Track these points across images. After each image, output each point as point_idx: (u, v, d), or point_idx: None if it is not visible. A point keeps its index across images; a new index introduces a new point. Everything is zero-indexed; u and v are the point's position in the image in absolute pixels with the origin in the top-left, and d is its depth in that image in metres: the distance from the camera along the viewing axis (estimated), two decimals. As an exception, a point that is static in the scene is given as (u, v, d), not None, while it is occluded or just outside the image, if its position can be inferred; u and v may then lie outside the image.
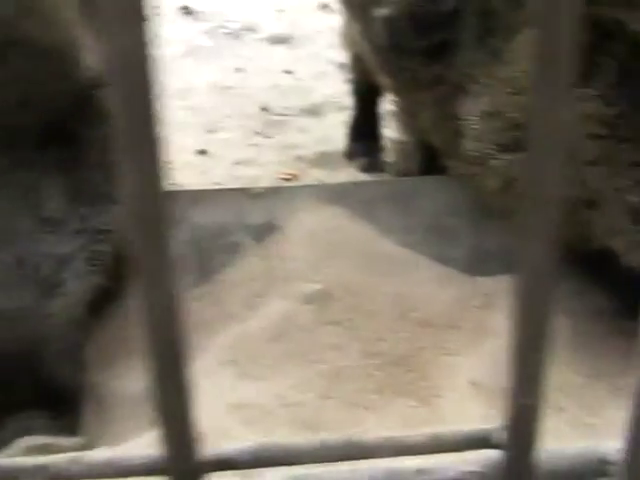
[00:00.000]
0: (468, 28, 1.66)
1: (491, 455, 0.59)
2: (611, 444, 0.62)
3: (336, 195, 1.85)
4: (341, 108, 3.06)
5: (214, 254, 1.81)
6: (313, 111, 3.21)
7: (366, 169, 2.73)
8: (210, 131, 2.95)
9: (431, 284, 1.73)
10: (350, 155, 2.83)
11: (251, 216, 1.84)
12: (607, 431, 1.42)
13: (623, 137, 1.53)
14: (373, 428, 1.43)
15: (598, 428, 1.44)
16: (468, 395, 1.49)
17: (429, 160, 2.13)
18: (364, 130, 2.81)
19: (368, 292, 1.70)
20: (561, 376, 1.57)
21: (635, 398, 0.56)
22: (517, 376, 0.53)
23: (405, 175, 2.43)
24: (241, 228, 1.83)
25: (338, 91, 3.12)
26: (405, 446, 0.58)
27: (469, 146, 1.68)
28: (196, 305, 1.71)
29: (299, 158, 2.78)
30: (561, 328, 1.67)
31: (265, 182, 2.46)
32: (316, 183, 1.97)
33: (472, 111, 1.67)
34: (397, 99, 2.24)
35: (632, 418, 0.58)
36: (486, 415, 1.45)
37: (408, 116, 2.17)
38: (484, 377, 1.52)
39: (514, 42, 1.58)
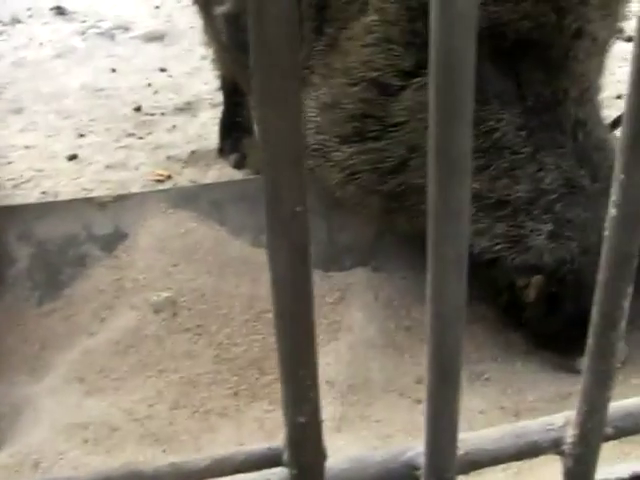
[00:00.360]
0: (306, 19, 1.64)
1: (280, 474, 0.58)
2: (420, 447, 0.61)
3: (185, 199, 1.81)
4: (215, 105, 3.02)
5: (62, 268, 1.75)
6: (187, 109, 3.16)
7: (238, 165, 2.70)
8: (81, 135, 2.86)
9: (284, 283, 1.71)
10: (222, 152, 2.80)
11: (98, 226, 1.79)
12: (461, 421, 1.43)
13: None
14: (228, 434, 1.41)
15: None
16: (324, 394, 1.47)
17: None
18: (234, 126, 2.78)
19: (221, 296, 1.67)
20: (420, 367, 1.58)
21: (430, 399, 0.55)
22: (290, 395, 0.51)
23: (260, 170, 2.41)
24: (89, 239, 1.78)
25: (212, 87, 3.07)
26: (187, 472, 0.56)
27: (311, 139, 1.67)
28: (45, 322, 1.66)
29: (172, 158, 2.71)
30: (421, 318, 1.69)
31: (137, 185, 2.40)
32: (166, 188, 1.92)
33: (312, 103, 1.65)
34: (251, 94, 2.22)
35: (429, 419, 0.58)
36: (342, 412, 1.45)
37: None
38: (339, 375, 1.51)
39: (349, 31, 1.57)
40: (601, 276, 0.55)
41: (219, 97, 2.91)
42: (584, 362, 1.65)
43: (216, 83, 2.91)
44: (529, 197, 1.55)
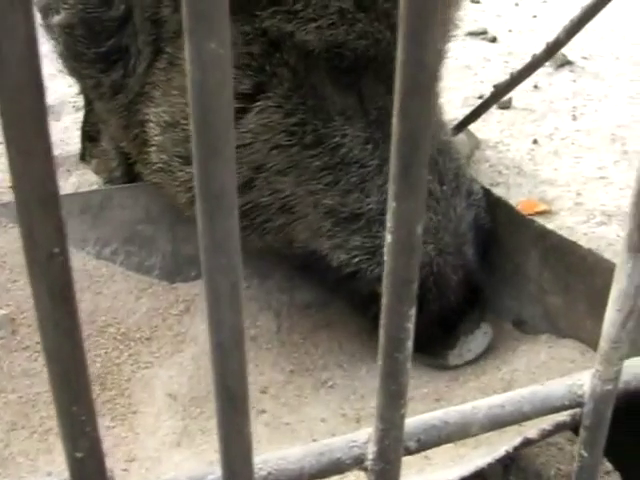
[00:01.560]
0: (141, 34, 1.62)
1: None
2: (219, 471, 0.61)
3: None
4: (79, 108, 2.96)
5: None
6: (49, 112, 3.07)
7: (98, 172, 2.64)
8: None
9: (129, 296, 1.69)
10: (83, 157, 2.75)
11: None
12: (302, 429, 1.45)
13: (306, 144, 1.57)
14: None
15: (295, 427, 1.46)
16: (165, 407, 1.47)
17: (130, 167, 2.09)
18: (95, 130, 2.72)
19: (63, 311, 1.64)
20: (265, 377, 1.59)
21: (220, 425, 0.56)
22: (66, 430, 0.51)
23: (109, 182, 2.38)
24: None
25: (76, 90, 2.98)
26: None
27: (154, 157, 1.65)
28: None
29: None
30: (267, 326, 1.70)
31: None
32: (5, 202, 1.86)
33: (154, 119, 1.64)
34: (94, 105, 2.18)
35: (221, 444, 0.58)
36: (183, 426, 1.44)
37: (102, 123, 2.12)
38: (181, 387, 1.51)
39: (182, 49, 1.56)
40: (384, 300, 0.56)
41: (82, 100, 2.84)
42: (454, 357, 1.75)
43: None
44: (380, 208, 1.58)
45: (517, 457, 1.65)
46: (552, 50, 2.03)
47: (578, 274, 1.54)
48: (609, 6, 1.84)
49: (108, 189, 1.94)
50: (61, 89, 3.24)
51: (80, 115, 2.87)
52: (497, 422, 0.74)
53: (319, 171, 1.59)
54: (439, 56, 1.74)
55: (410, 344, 0.59)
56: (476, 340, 1.66)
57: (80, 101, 2.90)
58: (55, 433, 1.41)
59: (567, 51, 4.14)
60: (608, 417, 0.77)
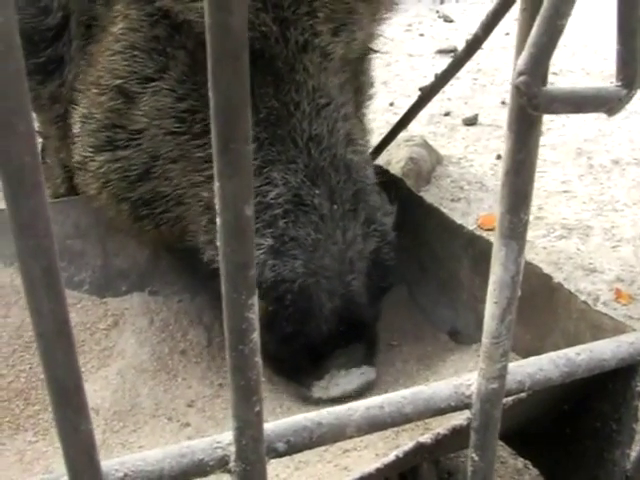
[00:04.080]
0: (75, 39, 1.62)
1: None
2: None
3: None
4: None
5: None
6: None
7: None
8: None
9: (57, 311, 1.68)
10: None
11: None
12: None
13: (195, 133, 1.54)
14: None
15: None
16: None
17: (71, 180, 2.08)
18: (40, 147, 2.71)
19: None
20: (192, 390, 1.57)
21: (56, 421, 0.55)
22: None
23: (53, 196, 2.36)
24: None
25: None
26: None
27: (75, 153, 1.67)
28: None
29: None
30: (197, 340, 1.68)
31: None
32: None
33: (76, 118, 1.66)
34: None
35: (62, 443, 0.57)
36: (102, 439, 1.43)
37: (44, 138, 2.10)
38: (104, 401, 1.49)
39: (102, 43, 1.56)
40: (222, 290, 0.55)
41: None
42: (319, 389, 1.62)
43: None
44: (255, 209, 1.52)
45: (455, 471, 1.63)
46: (471, 47, 2.02)
47: None
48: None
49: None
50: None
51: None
52: (375, 424, 0.72)
53: (202, 163, 1.55)
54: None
55: (255, 336, 0.57)
56: (348, 377, 1.52)
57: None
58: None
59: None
60: (497, 418, 0.75)
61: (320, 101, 1.52)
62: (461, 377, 0.80)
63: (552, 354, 0.85)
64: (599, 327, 1.25)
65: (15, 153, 0.43)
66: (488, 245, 1.60)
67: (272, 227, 1.49)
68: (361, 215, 1.56)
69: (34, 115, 2.08)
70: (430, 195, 2.92)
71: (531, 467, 1.62)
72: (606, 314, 1.25)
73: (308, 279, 1.48)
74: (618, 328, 1.19)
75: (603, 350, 0.88)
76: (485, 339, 0.73)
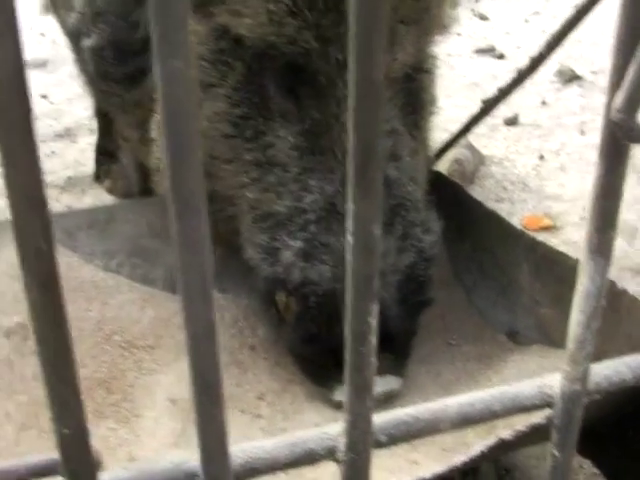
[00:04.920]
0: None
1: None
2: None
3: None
4: (94, 130, 3.02)
5: None
6: (66, 135, 3.15)
7: (111, 191, 2.73)
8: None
9: (134, 306, 1.75)
10: (98, 177, 2.82)
11: (-48, 253, 1.78)
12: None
13: (246, 137, 1.63)
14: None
15: (290, 432, 1.51)
16: (166, 412, 1.53)
17: (146, 180, 2.17)
18: (108, 152, 2.80)
19: (71, 319, 1.69)
20: (262, 385, 1.64)
21: (197, 413, 0.61)
22: (54, 409, 0.55)
23: (125, 196, 2.45)
24: (-61, 268, 1.77)
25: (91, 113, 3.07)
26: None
27: (154, 157, 1.78)
28: None
29: (49, 184, 2.71)
30: (266, 336, 1.74)
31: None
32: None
33: (153, 124, 1.77)
34: (115, 122, 2.29)
35: (199, 431, 0.63)
36: (182, 428, 1.49)
37: (122, 138, 2.21)
38: (181, 393, 1.56)
39: None
40: (348, 299, 0.61)
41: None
42: (339, 392, 1.65)
43: (95, 109, 2.94)
44: (288, 213, 1.58)
45: (513, 468, 1.68)
46: (535, 64, 2.05)
47: (568, 284, 1.56)
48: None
49: (113, 205, 2.01)
50: (78, 112, 3.32)
51: (95, 137, 2.95)
52: (467, 420, 0.78)
53: (249, 165, 1.64)
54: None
55: (373, 337, 0.63)
56: None
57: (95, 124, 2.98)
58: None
59: (575, 66, 4.15)
60: (578, 417, 0.80)
61: None
62: (543, 378, 0.84)
63: (626, 358, 0.89)
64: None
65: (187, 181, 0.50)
66: (548, 250, 1.65)
67: (303, 230, 1.56)
68: (397, 229, 1.60)
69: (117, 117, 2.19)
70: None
71: (585, 466, 1.66)
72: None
73: (335, 284, 1.52)
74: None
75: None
76: (570, 344, 0.77)
